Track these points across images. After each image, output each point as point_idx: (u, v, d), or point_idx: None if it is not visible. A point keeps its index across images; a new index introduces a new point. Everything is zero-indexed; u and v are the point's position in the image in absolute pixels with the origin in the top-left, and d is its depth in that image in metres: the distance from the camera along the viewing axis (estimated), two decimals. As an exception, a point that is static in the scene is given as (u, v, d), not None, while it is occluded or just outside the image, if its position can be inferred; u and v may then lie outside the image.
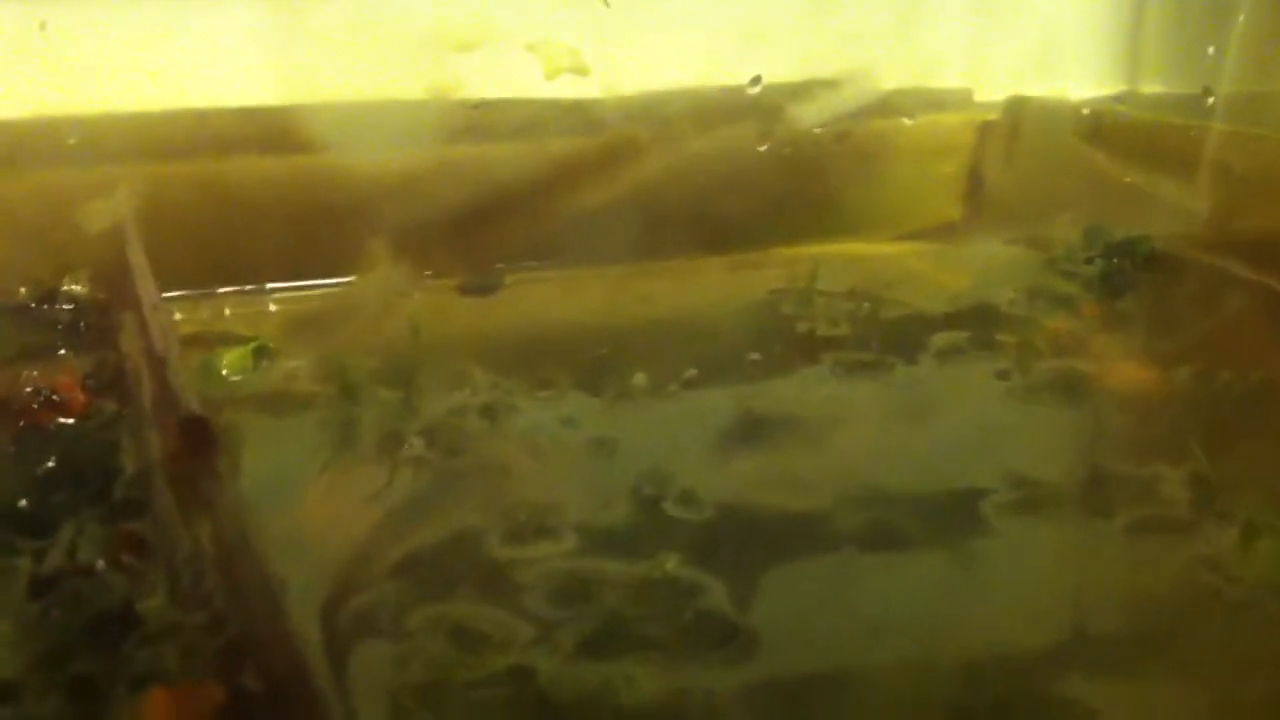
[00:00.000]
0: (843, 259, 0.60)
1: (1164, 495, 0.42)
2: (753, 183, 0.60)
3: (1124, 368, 0.52)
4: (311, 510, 0.38)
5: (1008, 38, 0.67)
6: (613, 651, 0.33)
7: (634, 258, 0.57)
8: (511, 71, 0.56)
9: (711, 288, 0.59)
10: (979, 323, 0.54)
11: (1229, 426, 0.47)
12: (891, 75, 0.64)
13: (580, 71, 0.56)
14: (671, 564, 0.36)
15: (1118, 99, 0.64)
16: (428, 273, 0.53)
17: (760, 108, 0.61)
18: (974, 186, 0.66)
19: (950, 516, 0.41)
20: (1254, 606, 0.37)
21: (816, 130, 0.61)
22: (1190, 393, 0.49)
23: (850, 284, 0.57)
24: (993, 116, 0.67)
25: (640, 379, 0.48)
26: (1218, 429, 0.47)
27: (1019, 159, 0.65)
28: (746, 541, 0.39)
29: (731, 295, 0.57)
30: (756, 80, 0.59)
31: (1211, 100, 0.57)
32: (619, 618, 0.35)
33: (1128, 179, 0.60)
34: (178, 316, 0.49)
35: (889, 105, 0.64)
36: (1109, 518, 0.41)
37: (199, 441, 0.34)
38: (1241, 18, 0.60)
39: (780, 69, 0.61)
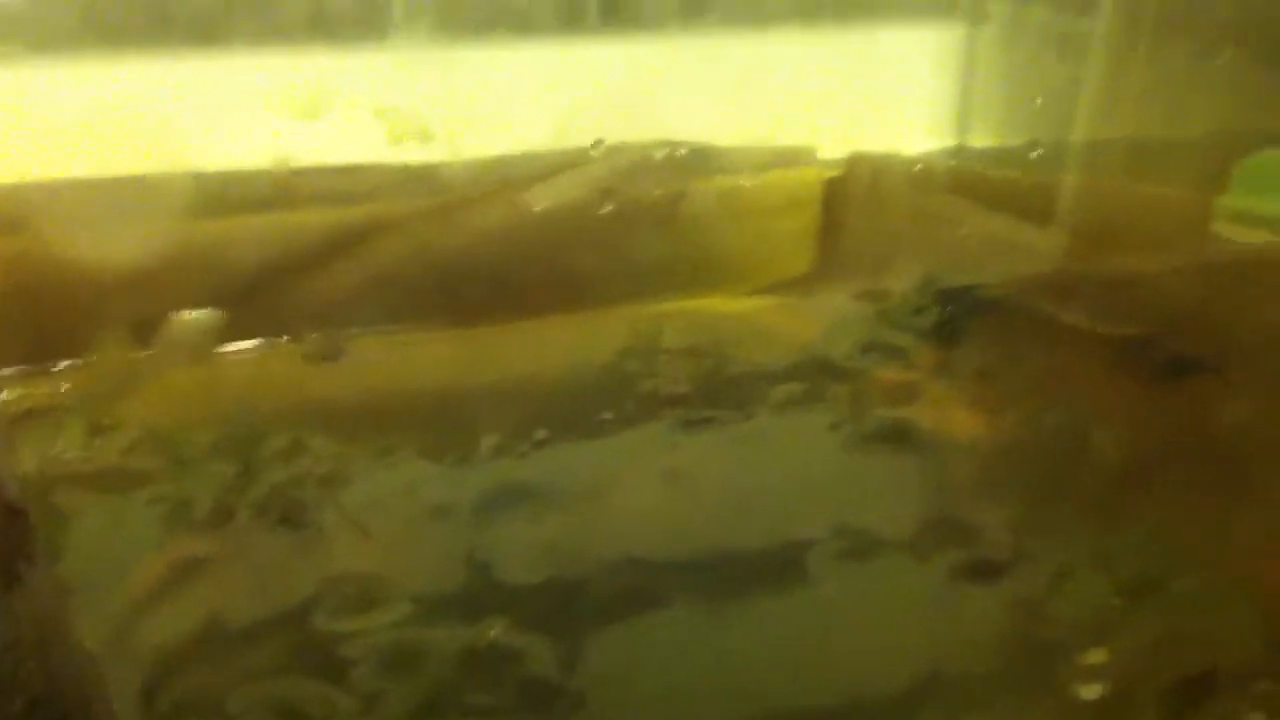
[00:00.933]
0: (690, 316, 0.61)
1: (986, 539, 0.43)
2: (599, 243, 0.61)
3: (954, 415, 0.54)
4: (136, 590, 0.38)
5: (847, 95, 0.69)
6: (437, 721, 0.34)
7: (481, 319, 0.58)
8: (355, 137, 0.57)
9: (559, 348, 0.60)
10: (816, 376, 0.56)
11: (1054, 471, 0.49)
12: (733, 135, 0.66)
13: (425, 137, 0.57)
14: (496, 630, 0.37)
15: (951, 153, 0.66)
16: (262, 340, 0.53)
17: (602, 170, 0.62)
18: (820, 242, 0.68)
19: (779, 569, 0.42)
20: (1061, 647, 0.38)
21: (657, 191, 0.62)
22: (1018, 439, 0.51)
23: (695, 341, 0.58)
24: (835, 173, 0.69)
25: (483, 442, 0.49)
26: (1043, 473, 0.49)
27: (860, 214, 0.67)
28: (577, 603, 0.40)
29: (579, 356, 0.58)
30: (599, 143, 0.60)
31: (1039, 152, 0.60)
32: (445, 687, 0.35)
33: (962, 230, 0.62)
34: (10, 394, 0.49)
35: (732, 164, 0.65)
36: (932, 563, 0.42)
37: (13, 528, 0.34)
38: (1067, 69, 0.63)
39: (623, 132, 0.62)
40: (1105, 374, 0.53)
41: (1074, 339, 0.56)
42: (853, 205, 0.69)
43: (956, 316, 0.62)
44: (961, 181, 0.67)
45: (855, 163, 0.68)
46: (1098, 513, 0.45)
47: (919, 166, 0.65)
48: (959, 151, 0.66)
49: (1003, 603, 0.40)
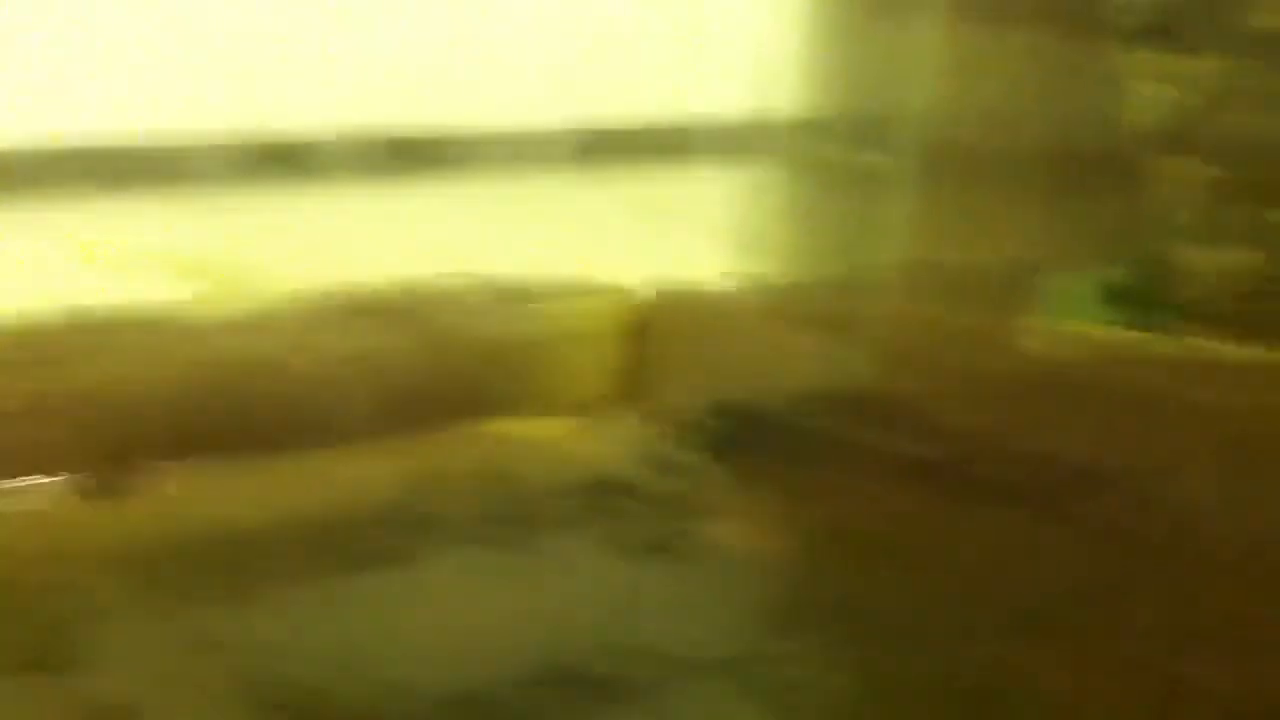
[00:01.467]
0: (483, 441, 0.62)
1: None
2: (393, 376, 0.63)
3: (732, 528, 0.56)
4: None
5: (652, 232, 0.72)
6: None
7: (267, 454, 0.58)
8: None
9: (348, 480, 0.60)
10: (600, 493, 0.57)
11: (825, 580, 0.51)
12: (541, 270, 0.69)
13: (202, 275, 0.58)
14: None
15: (734, 284, 0.69)
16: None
17: (391, 303, 0.64)
18: (622, 368, 0.70)
19: (550, 687, 0.43)
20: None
21: (455, 324, 0.64)
22: (795, 552, 0.52)
23: (484, 465, 0.59)
24: (633, 302, 0.72)
25: (266, 579, 0.49)
26: (817, 583, 0.50)
27: (658, 339, 0.70)
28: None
29: (367, 486, 0.59)
30: (389, 276, 0.62)
31: (801, 280, 0.63)
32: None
33: (744, 351, 0.65)
34: None
35: (536, 295, 0.67)
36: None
37: None
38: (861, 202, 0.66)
39: (414, 264, 0.64)
40: (892, 493, 0.56)
41: (860, 457, 0.58)
42: (652, 334, 0.72)
43: (738, 433, 0.64)
44: (757, 310, 0.70)
45: (654, 293, 0.71)
46: (869, 631, 0.47)
47: (717, 297, 0.68)
48: (757, 281, 0.69)
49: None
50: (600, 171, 0.76)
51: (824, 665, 0.43)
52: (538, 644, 0.44)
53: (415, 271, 0.64)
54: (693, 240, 0.77)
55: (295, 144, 0.64)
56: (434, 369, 0.65)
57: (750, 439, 0.64)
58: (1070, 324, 0.64)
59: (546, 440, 0.65)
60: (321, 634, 0.47)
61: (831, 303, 0.66)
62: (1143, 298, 0.64)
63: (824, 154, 0.72)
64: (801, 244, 0.72)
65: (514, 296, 0.65)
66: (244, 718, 0.40)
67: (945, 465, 0.57)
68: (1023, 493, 0.54)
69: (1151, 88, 0.63)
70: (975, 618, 0.46)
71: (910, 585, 0.48)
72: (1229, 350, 0.54)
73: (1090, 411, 0.53)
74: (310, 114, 0.65)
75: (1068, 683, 0.41)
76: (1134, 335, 0.58)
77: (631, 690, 0.42)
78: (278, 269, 0.63)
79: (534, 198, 0.69)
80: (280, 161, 0.64)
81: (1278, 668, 0.40)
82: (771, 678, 0.43)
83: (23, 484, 0.53)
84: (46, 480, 0.54)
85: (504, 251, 0.69)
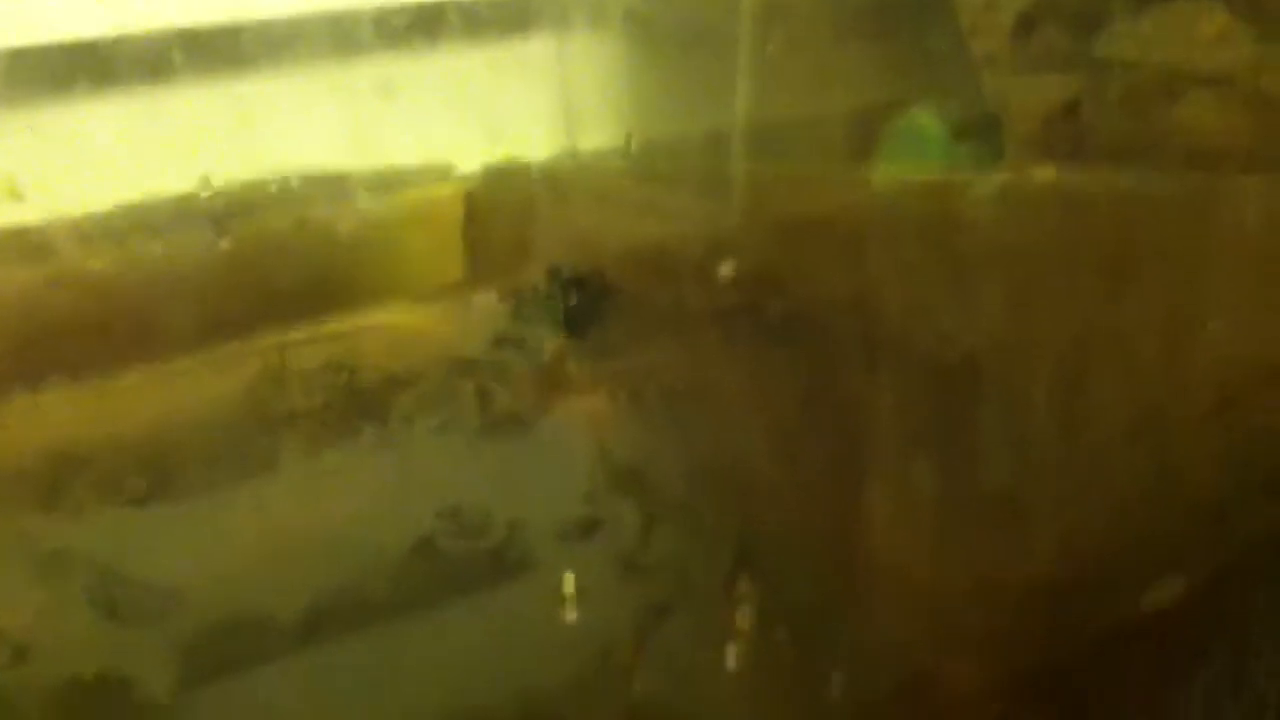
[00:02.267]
0: (328, 338, 0.61)
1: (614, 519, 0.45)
2: (224, 279, 0.61)
3: (580, 398, 0.56)
4: None
5: (474, 110, 0.71)
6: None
7: (108, 372, 0.57)
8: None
9: (195, 390, 0.59)
10: (449, 377, 0.57)
11: (680, 445, 0.52)
12: (360, 159, 0.67)
13: (16, 197, 0.56)
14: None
15: (566, 155, 0.69)
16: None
17: (215, 208, 0.62)
18: (464, 251, 0.69)
19: (409, 569, 0.43)
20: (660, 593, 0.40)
21: (280, 220, 0.62)
22: (641, 417, 0.53)
23: (330, 359, 0.59)
24: (471, 185, 0.71)
25: (115, 498, 0.48)
26: (666, 448, 0.51)
27: (497, 221, 0.69)
28: (201, 631, 0.40)
29: (215, 395, 0.58)
30: (206, 183, 0.60)
31: (631, 145, 0.63)
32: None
33: (583, 222, 0.64)
34: None
35: (362, 186, 0.66)
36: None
37: None
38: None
39: (233, 169, 0.62)
40: (719, 347, 0.56)
41: (689, 314, 0.58)
42: (490, 214, 0.71)
43: (581, 304, 0.64)
44: (596, 179, 0.70)
45: (488, 174, 0.70)
46: (718, 485, 0.48)
47: (555, 169, 0.68)
48: (574, 152, 0.69)
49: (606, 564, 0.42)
50: (422, 51, 0.74)
51: (679, 524, 0.44)
52: (401, 531, 0.44)
53: (238, 175, 0.62)
54: (527, 113, 0.76)
55: (78, 46, 0.61)
56: (274, 270, 0.63)
57: (598, 309, 0.64)
58: (908, 167, 0.65)
59: (396, 330, 0.65)
60: (177, 546, 0.47)
61: (671, 166, 0.66)
62: (977, 133, 0.65)
63: (653, 16, 0.71)
64: (636, 110, 0.72)
65: (347, 189, 0.64)
66: (98, 629, 0.39)
67: (792, 320, 0.58)
68: (888, 347, 0.55)
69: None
70: (807, 460, 0.47)
71: (756, 439, 0.49)
72: (1048, 177, 0.56)
73: (908, 253, 0.54)
74: (93, 14, 0.62)
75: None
76: (963, 174, 0.60)
77: (498, 565, 0.43)
78: (81, 184, 0.61)
79: (354, 84, 0.67)
80: (64, 69, 0.61)
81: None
82: (629, 540, 0.44)
83: None
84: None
85: (328, 144, 0.68)
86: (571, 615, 0.39)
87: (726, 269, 0.50)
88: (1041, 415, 0.40)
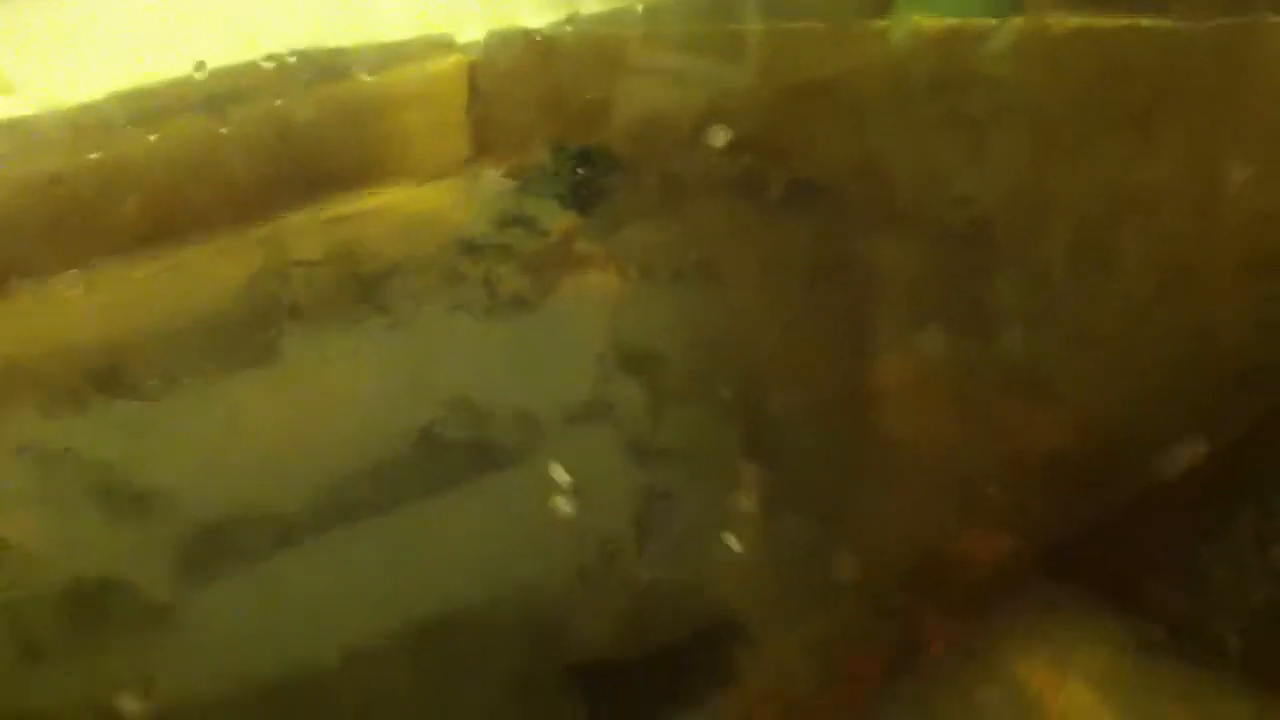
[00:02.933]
0: (332, 221, 0.60)
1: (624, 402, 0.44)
2: (223, 166, 0.60)
3: (589, 277, 0.55)
4: None
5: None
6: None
7: (107, 264, 0.56)
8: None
9: (194, 281, 0.58)
10: (454, 260, 0.56)
11: (691, 322, 0.50)
12: (357, 34, 0.65)
13: (5, 90, 0.54)
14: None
15: (569, 21, 0.66)
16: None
17: (210, 92, 0.61)
18: (469, 126, 0.67)
19: (415, 459, 0.42)
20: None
21: (278, 102, 0.60)
22: (656, 290, 0.51)
23: (332, 246, 0.57)
24: (474, 57, 0.69)
25: (116, 391, 0.47)
26: (677, 326, 0.50)
27: (501, 93, 0.67)
28: (204, 536, 0.39)
29: (216, 285, 0.57)
30: (201, 66, 0.58)
31: (641, 7, 0.60)
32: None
33: (588, 95, 0.62)
34: None
35: (359, 63, 0.64)
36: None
37: None
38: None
39: (225, 51, 0.60)
40: (731, 218, 0.55)
41: (698, 185, 0.57)
42: (493, 87, 0.69)
43: (589, 178, 0.62)
44: (598, 47, 0.67)
45: (489, 44, 0.67)
46: (732, 351, 0.46)
47: (540, 38, 0.65)
48: (574, 19, 0.66)
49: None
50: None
51: (690, 405, 0.43)
52: (408, 418, 0.43)
53: (232, 56, 0.60)
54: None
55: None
56: (272, 154, 0.62)
57: (607, 184, 0.62)
58: (922, 17, 0.62)
59: (399, 210, 0.63)
60: (180, 439, 0.46)
61: (679, 28, 0.64)
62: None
63: None
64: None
65: (345, 66, 0.62)
66: (101, 530, 0.39)
67: (804, 188, 0.56)
68: (901, 214, 0.53)
69: None
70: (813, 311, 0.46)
71: (767, 313, 0.48)
72: (1069, 24, 0.53)
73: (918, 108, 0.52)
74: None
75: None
76: (979, 23, 0.57)
77: (508, 450, 0.42)
78: (73, 75, 0.59)
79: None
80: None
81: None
82: (639, 423, 0.43)
83: None
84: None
85: (323, 21, 0.65)
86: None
87: (730, 136, 0.48)
88: (1062, 279, 0.38)
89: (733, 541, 0.36)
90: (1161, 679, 0.40)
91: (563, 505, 0.37)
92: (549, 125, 0.65)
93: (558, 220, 0.60)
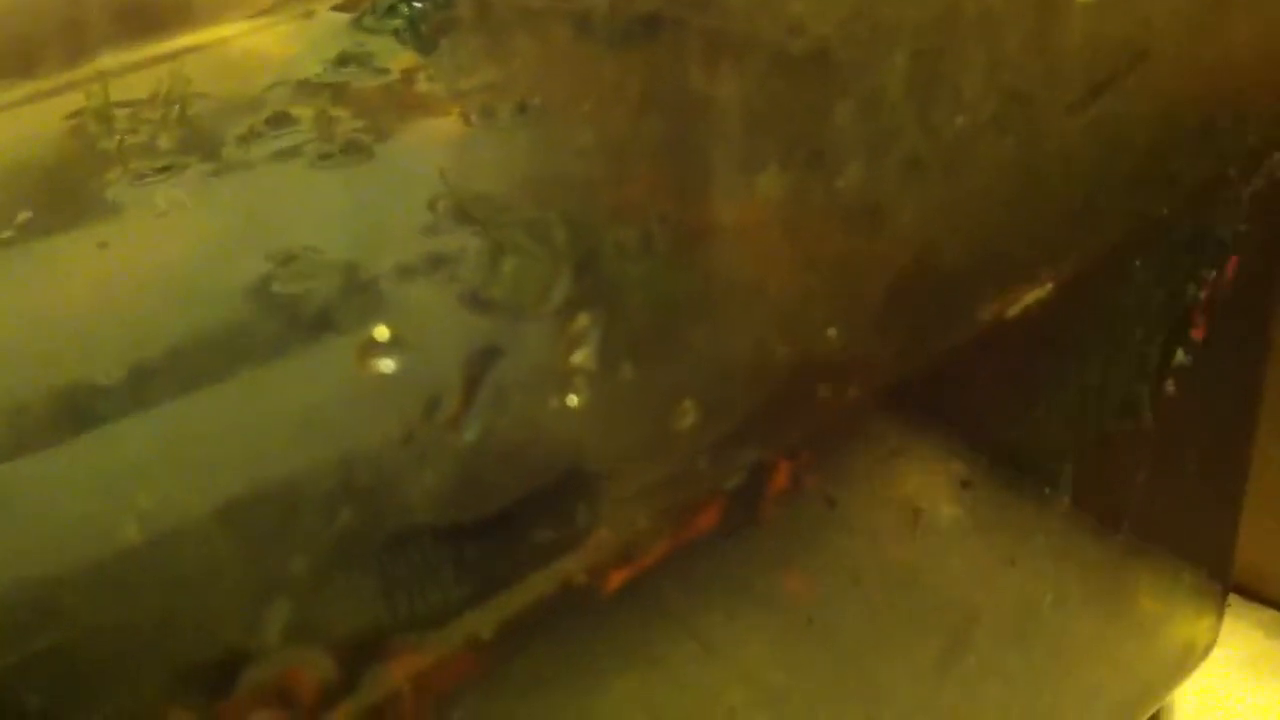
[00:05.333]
0: (153, 61, 0.57)
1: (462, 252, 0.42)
2: (30, 3, 0.56)
3: (428, 119, 0.52)
4: None
5: None
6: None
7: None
8: None
9: (16, 130, 0.55)
10: (286, 101, 0.53)
11: (533, 165, 0.48)
12: None
13: None
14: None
15: None
16: None
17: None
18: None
19: (241, 319, 0.40)
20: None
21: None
22: (496, 139, 0.49)
23: (157, 88, 0.54)
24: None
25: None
26: (519, 170, 0.48)
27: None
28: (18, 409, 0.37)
29: (24, 134, 0.53)
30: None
31: None
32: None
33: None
34: None
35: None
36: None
37: None
38: None
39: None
40: (572, 54, 0.52)
41: (543, 19, 0.54)
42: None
43: (429, 13, 0.59)
44: None
45: None
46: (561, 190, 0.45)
47: None
48: None
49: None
50: None
51: (529, 249, 0.42)
52: (232, 277, 0.41)
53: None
54: None
55: None
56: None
57: (447, 16, 0.60)
58: None
59: (227, 47, 0.60)
60: (13, 301, 0.44)
61: None
62: None
63: None
64: None
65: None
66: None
67: (659, 21, 0.54)
68: (735, 42, 0.51)
69: None
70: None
71: (606, 152, 0.46)
72: None
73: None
74: None
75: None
76: None
77: (338, 307, 0.40)
78: None
79: None
80: None
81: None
82: (476, 274, 0.42)
83: None
84: None
85: None
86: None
87: None
88: (899, 111, 0.37)
89: (568, 393, 0.35)
90: (1000, 510, 0.41)
91: (391, 364, 0.35)
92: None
93: (396, 58, 0.58)
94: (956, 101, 0.38)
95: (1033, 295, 0.38)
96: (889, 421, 0.39)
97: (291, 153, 0.52)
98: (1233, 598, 0.65)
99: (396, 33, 0.59)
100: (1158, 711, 0.62)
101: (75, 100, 0.55)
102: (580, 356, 0.36)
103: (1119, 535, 0.50)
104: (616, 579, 0.34)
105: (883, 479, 0.40)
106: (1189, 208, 0.45)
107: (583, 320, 0.36)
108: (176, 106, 0.56)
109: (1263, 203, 0.47)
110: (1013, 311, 0.38)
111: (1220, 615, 0.63)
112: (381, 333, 0.37)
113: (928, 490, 0.42)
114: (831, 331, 0.37)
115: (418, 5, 0.58)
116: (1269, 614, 0.64)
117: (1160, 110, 0.45)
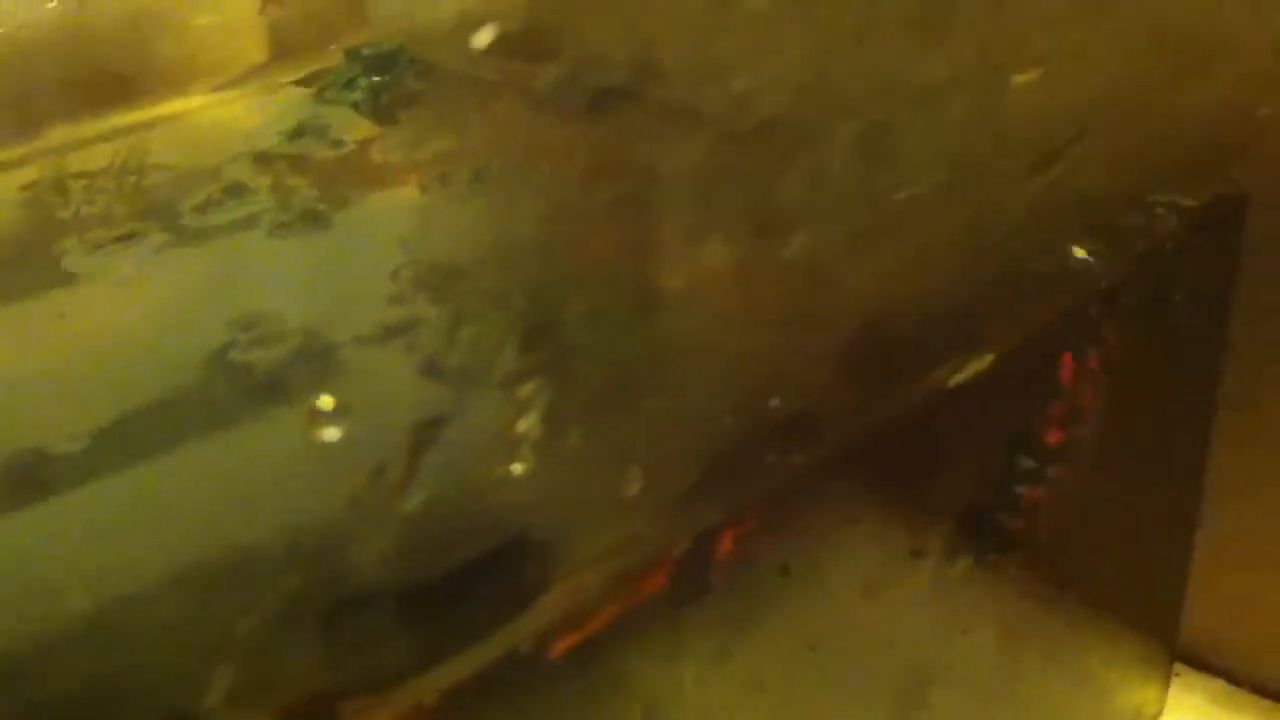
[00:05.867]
0: (114, 133, 0.57)
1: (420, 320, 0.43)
2: (7, 76, 0.57)
3: (386, 189, 0.53)
4: None
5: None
6: None
7: None
8: None
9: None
10: (243, 171, 0.54)
11: (482, 229, 0.49)
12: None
13: None
14: None
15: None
16: None
17: None
18: (260, 32, 0.65)
19: (199, 387, 0.40)
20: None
21: (52, 4, 0.57)
22: (454, 207, 0.50)
23: (116, 158, 0.55)
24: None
25: None
26: (472, 233, 0.48)
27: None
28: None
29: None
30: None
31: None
32: None
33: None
34: None
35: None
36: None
37: None
38: None
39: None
40: (533, 121, 0.53)
41: (499, 91, 0.55)
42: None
43: (388, 85, 0.60)
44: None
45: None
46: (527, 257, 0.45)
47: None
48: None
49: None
50: None
51: (484, 315, 0.42)
52: (190, 345, 0.41)
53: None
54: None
55: None
56: (53, 62, 0.59)
57: (405, 88, 0.60)
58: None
59: (187, 119, 0.61)
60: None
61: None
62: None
63: None
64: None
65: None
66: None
67: (615, 93, 0.55)
68: (682, 114, 0.52)
69: None
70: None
71: (562, 219, 0.47)
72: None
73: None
74: None
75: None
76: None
77: (295, 375, 0.41)
78: None
79: None
80: None
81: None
82: (435, 338, 0.42)
83: None
84: None
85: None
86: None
87: (488, 35, 0.46)
88: (846, 182, 0.38)
89: (518, 460, 0.36)
90: (937, 575, 0.41)
91: (336, 432, 0.35)
92: (347, 30, 0.62)
93: (354, 129, 0.59)
94: (904, 173, 0.38)
95: (975, 365, 0.39)
96: (841, 489, 0.40)
97: (249, 222, 0.52)
98: (1182, 667, 0.65)
99: (356, 105, 0.60)
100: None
101: (31, 172, 0.56)
102: (527, 423, 0.37)
103: (1065, 602, 0.50)
104: (562, 645, 0.34)
105: (837, 547, 0.41)
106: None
107: (531, 387, 0.37)
108: (134, 177, 0.56)
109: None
110: (956, 380, 0.39)
111: (1166, 684, 0.64)
112: (325, 402, 0.37)
113: (882, 558, 0.43)
114: (775, 400, 0.38)
115: (376, 79, 0.59)
116: (1217, 684, 0.64)
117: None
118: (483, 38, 0.45)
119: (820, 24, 0.40)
